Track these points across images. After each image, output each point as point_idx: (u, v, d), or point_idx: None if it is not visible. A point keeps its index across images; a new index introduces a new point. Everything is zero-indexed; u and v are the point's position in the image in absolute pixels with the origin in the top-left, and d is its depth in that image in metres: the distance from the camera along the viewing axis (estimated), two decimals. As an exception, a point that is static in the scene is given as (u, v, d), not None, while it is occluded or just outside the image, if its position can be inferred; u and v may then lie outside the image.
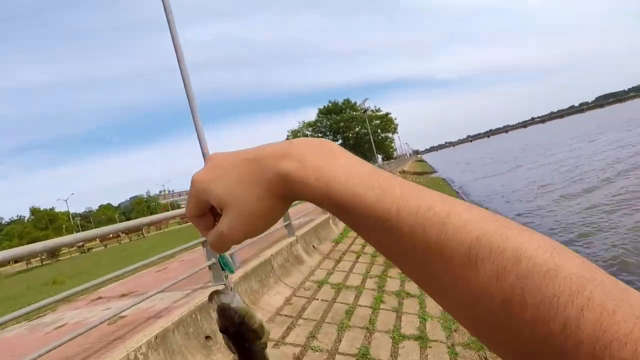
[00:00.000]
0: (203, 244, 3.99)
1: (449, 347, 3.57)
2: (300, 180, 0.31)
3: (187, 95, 5.50)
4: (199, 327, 3.31)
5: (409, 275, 0.30)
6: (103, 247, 30.41)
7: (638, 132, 28.26)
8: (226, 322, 0.44)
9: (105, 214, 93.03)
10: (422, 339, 3.69)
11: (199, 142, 5.54)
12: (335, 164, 0.31)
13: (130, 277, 7.80)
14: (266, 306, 4.22)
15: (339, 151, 0.33)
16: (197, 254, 8.76)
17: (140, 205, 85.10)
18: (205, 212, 0.39)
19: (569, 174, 16.97)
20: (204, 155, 5.38)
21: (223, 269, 0.48)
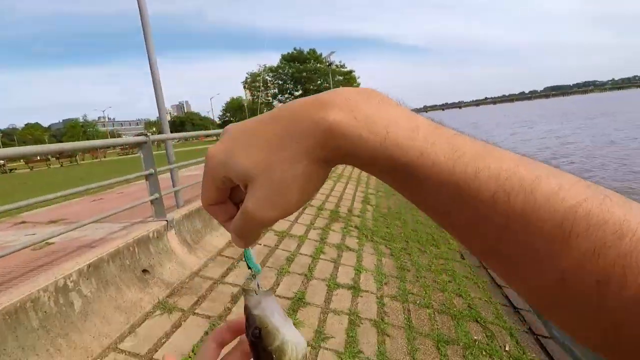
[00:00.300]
0: (146, 177, 3.79)
1: (378, 298, 3.85)
2: (350, 132, 0.25)
3: (141, 14, 4.96)
4: (137, 260, 3.23)
5: (478, 249, 0.25)
6: (29, 170, 28.01)
7: (570, 126, 31.34)
8: (245, 329, 0.37)
9: (33, 134, 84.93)
10: (355, 288, 3.93)
11: (151, 69, 5.10)
12: (391, 114, 0.26)
13: (60, 204, 7.34)
14: (208, 246, 4.21)
15: (390, 99, 0.27)
16: (137, 188, 8.40)
17: (76, 130, 78.51)
18: (225, 197, 0.32)
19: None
20: (155, 83, 4.99)
21: (249, 267, 0.39)
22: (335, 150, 0.26)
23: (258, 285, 0.37)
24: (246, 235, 0.31)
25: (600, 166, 13.78)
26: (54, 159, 30.13)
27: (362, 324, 3.33)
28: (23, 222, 5.88)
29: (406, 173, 0.25)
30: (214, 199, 0.32)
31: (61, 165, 28.72)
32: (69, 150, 3.63)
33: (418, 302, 3.95)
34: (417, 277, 4.57)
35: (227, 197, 0.32)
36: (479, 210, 0.23)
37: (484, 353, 3.21)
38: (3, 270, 3.34)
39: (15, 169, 29.89)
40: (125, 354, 2.51)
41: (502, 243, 0.23)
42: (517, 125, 39.90)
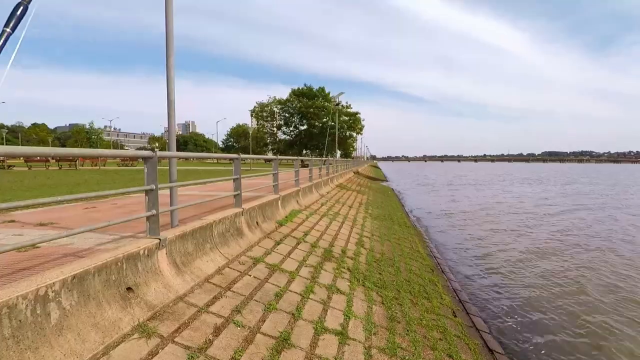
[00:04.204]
0: (146, 192, 3.73)
1: (365, 348, 3.67)
2: None
3: (166, 28, 5.08)
4: (123, 276, 3.10)
5: None
6: (27, 169, 27.80)
7: (540, 189, 37.09)
8: None
9: (38, 134, 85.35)
10: (342, 335, 3.76)
11: (167, 86, 5.16)
12: None
13: (52, 207, 7.20)
14: (197, 270, 4.07)
15: None
16: (132, 200, 8.29)
17: (81, 135, 78.75)
18: None
19: (471, 207, 22.66)
20: (169, 101, 5.03)
21: None
22: None
23: None
24: None
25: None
26: (54, 160, 30.01)
27: (347, 374, 3.16)
28: (12, 221, 5.73)
29: None
30: None
31: (60, 168, 28.58)
32: (70, 155, 3.58)
33: (407, 358, 3.77)
34: (408, 330, 4.40)
35: None
36: None
37: None
38: (-18, 270, 3.20)
39: (14, 166, 29.70)
40: (95, 378, 2.34)
41: None
42: (486, 185, 43.93)
